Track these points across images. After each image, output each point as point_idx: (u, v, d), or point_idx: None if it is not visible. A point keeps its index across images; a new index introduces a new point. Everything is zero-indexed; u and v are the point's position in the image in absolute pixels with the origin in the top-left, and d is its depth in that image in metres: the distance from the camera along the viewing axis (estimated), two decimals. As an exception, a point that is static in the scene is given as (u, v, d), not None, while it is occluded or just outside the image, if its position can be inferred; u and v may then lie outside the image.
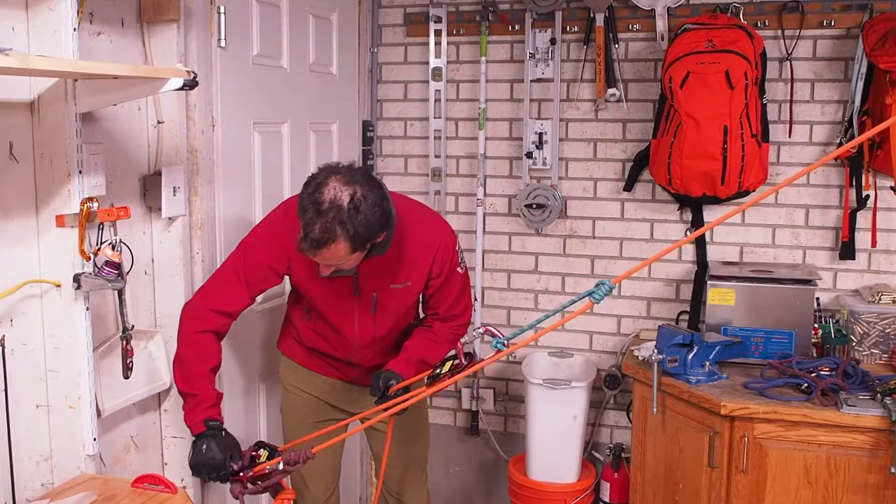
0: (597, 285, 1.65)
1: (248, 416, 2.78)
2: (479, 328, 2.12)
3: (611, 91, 3.22)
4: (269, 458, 2.14)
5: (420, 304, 2.50)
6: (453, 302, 2.43)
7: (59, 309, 1.91)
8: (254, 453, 2.21)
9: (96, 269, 1.92)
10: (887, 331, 2.82)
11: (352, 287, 2.33)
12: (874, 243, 3.01)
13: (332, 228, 1.99)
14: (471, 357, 2.23)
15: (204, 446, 2.11)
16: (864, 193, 3.00)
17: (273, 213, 2.36)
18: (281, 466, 2.09)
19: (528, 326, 1.88)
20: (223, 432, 2.17)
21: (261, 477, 2.12)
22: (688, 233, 3.25)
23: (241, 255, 2.29)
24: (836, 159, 3.03)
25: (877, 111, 2.85)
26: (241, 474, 2.12)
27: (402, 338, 2.48)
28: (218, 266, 2.43)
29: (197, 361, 2.20)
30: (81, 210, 1.89)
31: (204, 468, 2.11)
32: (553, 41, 3.28)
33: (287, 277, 2.39)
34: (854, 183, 3.01)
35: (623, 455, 3.23)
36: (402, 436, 2.56)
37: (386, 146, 3.60)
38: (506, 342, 1.86)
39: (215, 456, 2.10)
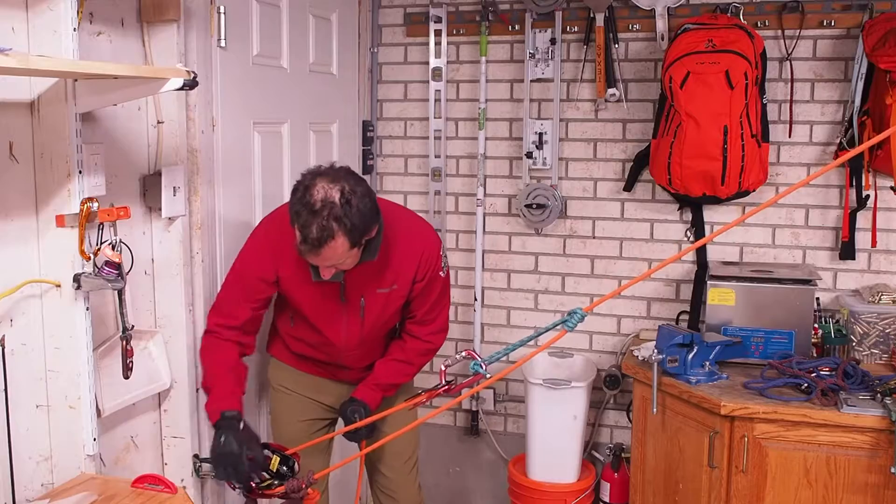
0: (570, 314, 1.69)
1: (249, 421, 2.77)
2: (461, 352, 2.18)
3: (611, 91, 3.22)
4: (280, 462, 2.26)
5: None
6: (431, 306, 2.49)
7: (59, 309, 1.91)
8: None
9: (96, 270, 1.92)
10: (887, 331, 2.82)
11: (338, 293, 2.37)
12: (874, 243, 3.01)
13: (329, 225, 2.05)
14: (450, 384, 2.37)
15: (222, 438, 2.19)
16: (864, 193, 3.00)
17: (258, 228, 2.45)
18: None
19: (503, 352, 1.96)
20: (241, 423, 2.23)
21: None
22: (688, 233, 3.25)
23: (236, 270, 2.40)
24: (835, 159, 3.04)
25: (877, 111, 2.85)
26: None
27: (389, 337, 2.57)
28: (219, 269, 2.53)
29: (211, 364, 2.34)
30: (81, 210, 1.88)
31: (221, 461, 2.18)
32: (553, 41, 3.28)
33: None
34: (854, 183, 3.01)
35: (623, 455, 3.23)
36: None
37: (386, 146, 3.59)
38: (483, 364, 1.93)
39: (232, 450, 2.17)
